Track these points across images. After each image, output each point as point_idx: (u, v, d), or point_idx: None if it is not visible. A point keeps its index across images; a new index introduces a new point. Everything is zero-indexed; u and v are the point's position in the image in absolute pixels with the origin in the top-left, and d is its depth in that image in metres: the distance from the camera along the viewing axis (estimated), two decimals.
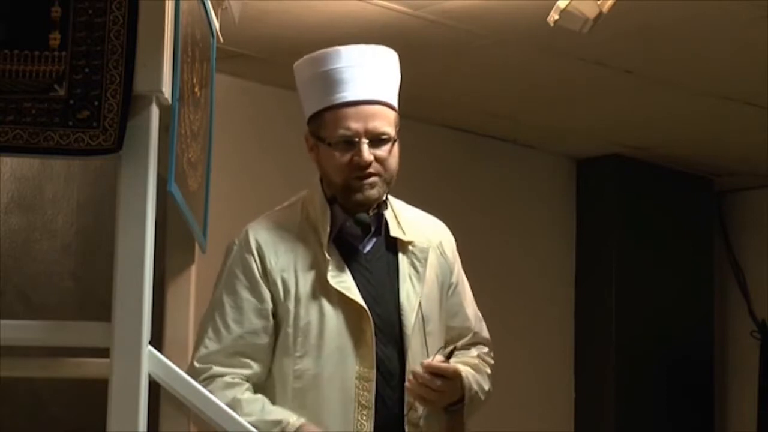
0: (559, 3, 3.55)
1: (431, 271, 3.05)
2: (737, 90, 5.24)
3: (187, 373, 2.86)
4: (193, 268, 3.22)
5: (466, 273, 3.21)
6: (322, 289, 2.94)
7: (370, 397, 2.91)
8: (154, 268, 2.51)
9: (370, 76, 2.97)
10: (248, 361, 2.93)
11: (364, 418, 2.90)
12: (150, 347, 2.51)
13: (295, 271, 2.95)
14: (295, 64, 3.07)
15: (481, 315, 3.22)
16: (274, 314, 2.95)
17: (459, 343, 3.07)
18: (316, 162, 3.02)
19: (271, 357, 2.95)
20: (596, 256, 6.24)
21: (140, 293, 2.48)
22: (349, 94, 2.94)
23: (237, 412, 2.79)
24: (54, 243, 4.08)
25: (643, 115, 5.63)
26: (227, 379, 2.90)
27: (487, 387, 3.08)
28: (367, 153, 2.92)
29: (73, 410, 3.98)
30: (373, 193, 2.95)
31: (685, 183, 6.45)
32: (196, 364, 2.93)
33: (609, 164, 6.23)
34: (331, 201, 3.00)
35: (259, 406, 2.88)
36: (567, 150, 6.24)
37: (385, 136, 2.96)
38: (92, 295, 3.96)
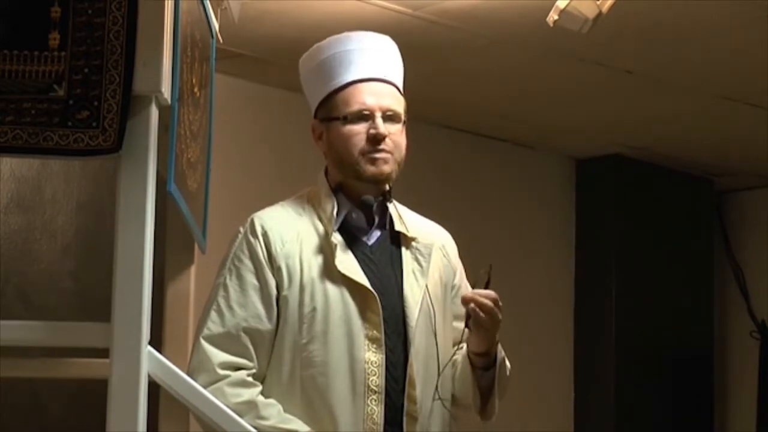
0: (558, 3, 3.55)
1: (435, 270, 3.04)
2: (737, 90, 5.24)
3: (194, 353, 2.86)
4: (193, 268, 3.23)
5: (465, 272, 3.20)
6: (327, 275, 2.92)
7: (380, 381, 2.88)
8: (154, 268, 2.52)
9: (378, 57, 2.99)
10: (251, 349, 2.89)
11: (374, 402, 2.88)
12: (150, 347, 2.51)
13: (300, 259, 2.92)
14: (302, 58, 3.07)
15: None
16: (278, 301, 2.92)
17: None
18: (326, 147, 2.99)
19: (272, 348, 2.91)
20: (596, 255, 6.24)
21: (140, 293, 2.48)
22: (361, 71, 2.96)
23: (251, 413, 2.81)
24: (54, 243, 4.08)
25: (643, 115, 5.62)
26: (243, 375, 2.87)
27: (508, 365, 3.10)
28: (383, 126, 2.93)
29: (73, 410, 3.99)
30: (386, 168, 2.94)
31: (685, 183, 6.45)
32: (204, 344, 2.87)
33: (609, 164, 6.22)
34: (335, 191, 2.99)
35: (276, 411, 2.86)
36: (567, 150, 6.24)
37: (397, 115, 2.96)
38: (92, 295, 3.96)
